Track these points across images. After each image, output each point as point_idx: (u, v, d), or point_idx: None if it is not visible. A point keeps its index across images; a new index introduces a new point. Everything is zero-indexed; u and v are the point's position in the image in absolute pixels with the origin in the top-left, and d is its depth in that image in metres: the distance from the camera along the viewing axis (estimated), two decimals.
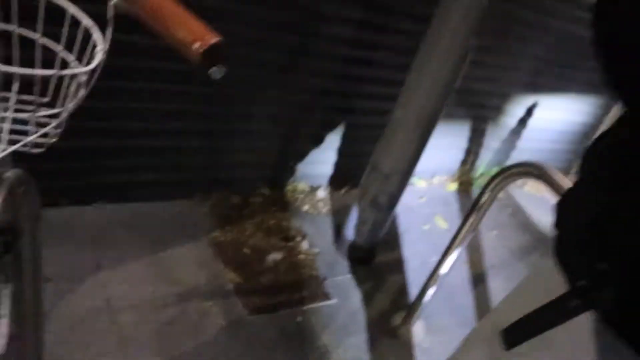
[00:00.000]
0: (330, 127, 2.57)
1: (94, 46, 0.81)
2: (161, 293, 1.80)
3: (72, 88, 0.81)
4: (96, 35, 0.83)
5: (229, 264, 2.03)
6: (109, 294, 1.72)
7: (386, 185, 2.22)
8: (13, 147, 0.79)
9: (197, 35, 0.66)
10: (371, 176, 2.24)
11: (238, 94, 2.13)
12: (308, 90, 2.35)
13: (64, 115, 0.83)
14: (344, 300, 2.12)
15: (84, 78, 0.79)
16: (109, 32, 0.78)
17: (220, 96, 2.10)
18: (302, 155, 2.56)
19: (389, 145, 2.18)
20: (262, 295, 1.98)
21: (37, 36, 0.86)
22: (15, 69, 0.68)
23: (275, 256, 2.17)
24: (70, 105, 0.82)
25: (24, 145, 0.78)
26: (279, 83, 2.23)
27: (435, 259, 1.91)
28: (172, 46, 0.69)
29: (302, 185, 2.63)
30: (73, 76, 0.79)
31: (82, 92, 0.82)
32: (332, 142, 2.62)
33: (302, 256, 2.24)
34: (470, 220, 1.79)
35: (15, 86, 0.70)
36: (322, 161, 2.67)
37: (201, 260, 2.00)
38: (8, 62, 0.75)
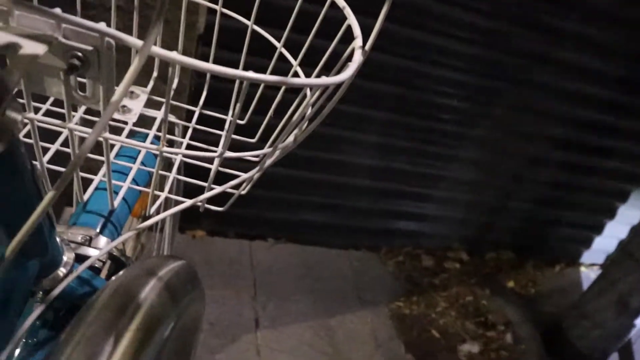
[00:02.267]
0: (556, 186, 1.98)
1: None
2: None
3: (299, 115, 0.42)
4: (352, 22, 0.43)
5: (411, 348, 1.56)
6: None
7: None
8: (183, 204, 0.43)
9: None
10: (623, 266, 1.62)
11: (447, 132, 1.68)
12: (537, 137, 1.81)
13: (274, 157, 0.44)
14: None
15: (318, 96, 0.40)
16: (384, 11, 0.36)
17: (428, 130, 1.67)
18: (512, 217, 2.02)
19: None
20: None
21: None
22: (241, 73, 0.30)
23: (470, 347, 1.65)
24: (290, 140, 0.43)
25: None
26: (497, 118, 1.73)
27: None
28: None
29: (508, 255, 2.07)
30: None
31: (310, 125, 0.42)
32: (554, 205, 2.03)
33: (504, 352, 1.69)
34: None
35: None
36: (535, 228, 2.09)
37: (378, 336, 1.56)
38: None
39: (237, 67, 0.54)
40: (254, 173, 0.44)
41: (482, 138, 1.73)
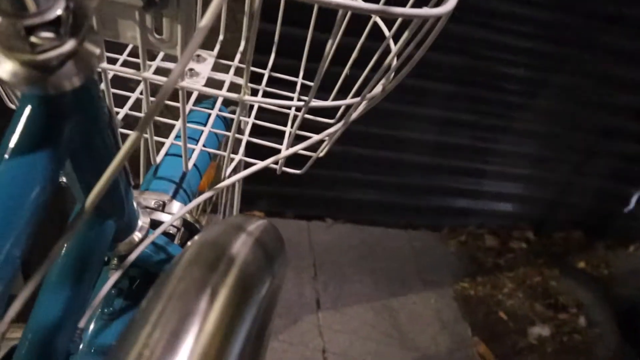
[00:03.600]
0: (631, 160, 1.85)
1: None
2: (387, 356, 1.36)
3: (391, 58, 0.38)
4: None
5: (478, 330, 1.50)
6: (325, 344, 1.34)
7: None
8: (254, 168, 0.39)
9: None
10: None
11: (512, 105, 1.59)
12: (610, 107, 1.69)
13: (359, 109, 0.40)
14: None
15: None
16: None
17: (492, 101, 1.58)
18: (583, 194, 1.90)
19: None
20: None
21: None
22: None
23: (540, 330, 1.57)
24: (378, 89, 0.39)
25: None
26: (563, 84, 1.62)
27: None
28: None
29: (577, 234, 1.96)
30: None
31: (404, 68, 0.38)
32: (628, 180, 1.90)
33: (577, 336, 1.60)
34: None
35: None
36: (607, 205, 1.96)
37: (443, 317, 1.51)
38: None
39: (304, 44, 0.50)
40: (337, 129, 0.41)
41: (550, 109, 1.63)
